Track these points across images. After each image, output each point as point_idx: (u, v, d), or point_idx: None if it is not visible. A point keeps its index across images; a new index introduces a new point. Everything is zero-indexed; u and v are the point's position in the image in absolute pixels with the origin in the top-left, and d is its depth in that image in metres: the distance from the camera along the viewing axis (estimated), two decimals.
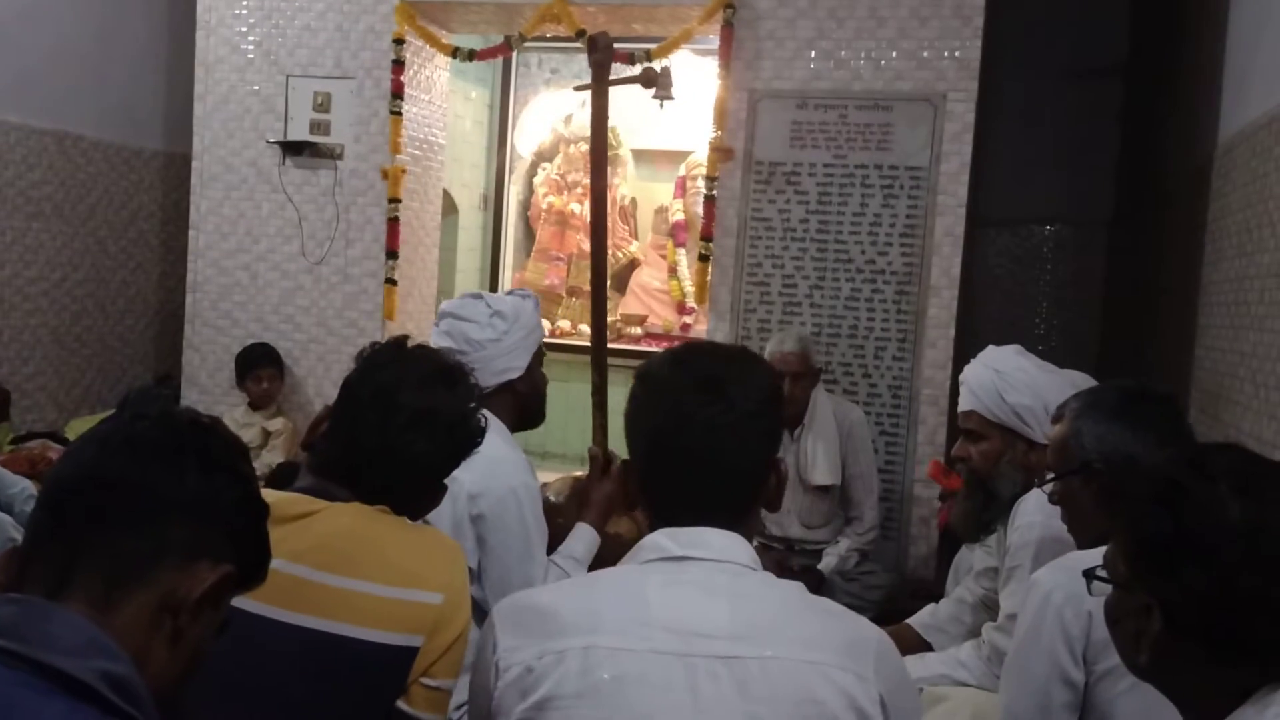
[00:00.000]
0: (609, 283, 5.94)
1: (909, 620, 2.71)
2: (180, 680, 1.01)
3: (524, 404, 2.36)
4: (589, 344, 3.49)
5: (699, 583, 1.23)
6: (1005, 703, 1.69)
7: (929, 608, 2.73)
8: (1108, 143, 5.15)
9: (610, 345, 3.45)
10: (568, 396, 5.17)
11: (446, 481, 1.73)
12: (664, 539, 1.26)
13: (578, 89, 3.66)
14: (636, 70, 4.35)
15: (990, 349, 2.46)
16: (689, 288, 5.79)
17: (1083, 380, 2.35)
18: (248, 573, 1.06)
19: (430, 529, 1.67)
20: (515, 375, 2.31)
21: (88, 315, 5.17)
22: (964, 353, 4.34)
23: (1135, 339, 4.68)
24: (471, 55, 4.66)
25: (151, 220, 5.49)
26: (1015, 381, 2.32)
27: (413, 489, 1.65)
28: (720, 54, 4.21)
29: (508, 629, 1.22)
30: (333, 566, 1.47)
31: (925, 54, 4.02)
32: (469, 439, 1.69)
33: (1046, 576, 1.67)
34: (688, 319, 5.89)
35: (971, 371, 2.43)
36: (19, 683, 0.87)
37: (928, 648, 2.59)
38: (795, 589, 1.27)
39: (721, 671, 1.16)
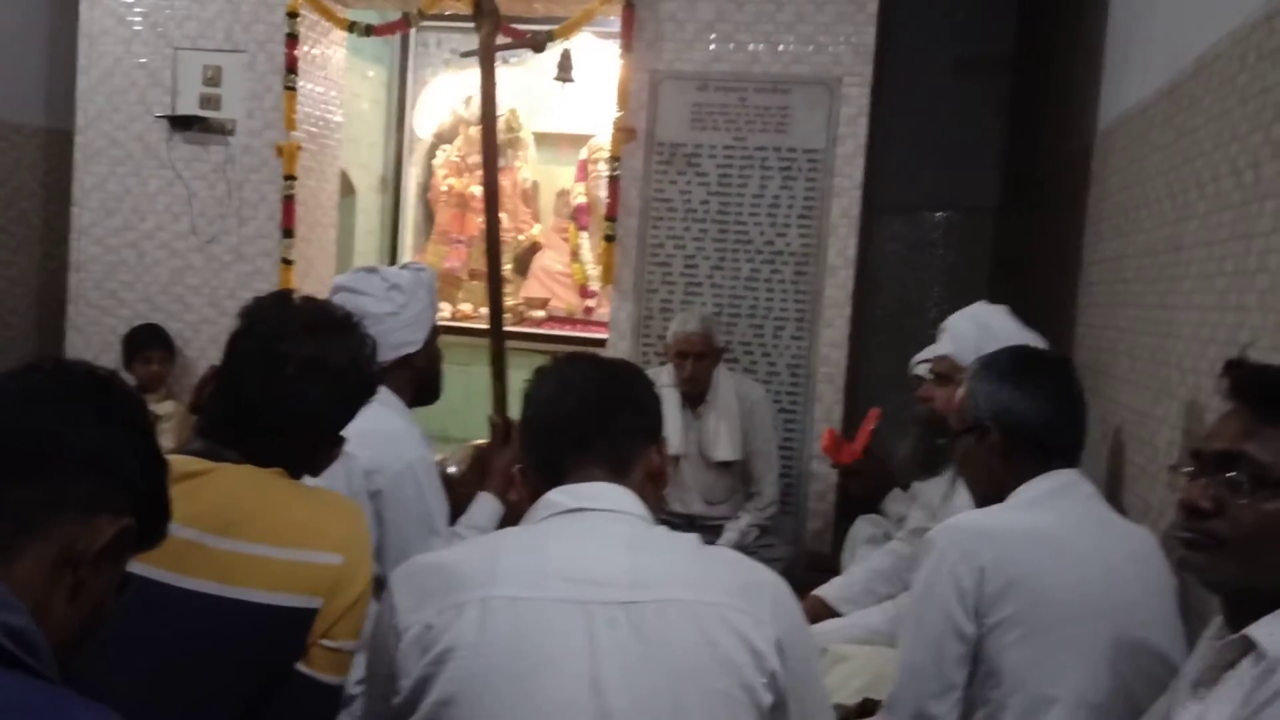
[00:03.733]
0: (510, 265, 5.97)
1: (817, 591, 2.76)
2: (80, 635, 0.99)
3: (421, 378, 2.33)
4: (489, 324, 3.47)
5: (596, 532, 1.26)
6: (902, 655, 1.75)
7: (839, 579, 2.78)
8: (995, 131, 5.32)
9: (512, 329, 3.44)
10: (469, 380, 5.11)
11: (344, 443, 1.68)
12: (558, 495, 1.31)
13: (464, 55, 3.75)
14: (537, 54, 4.39)
15: (981, 304, 2.58)
16: (591, 270, 5.81)
17: None
18: (148, 526, 1.04)
19: (328, 490, 1.63)
20: (413, 349, 2.28)
21: None
22: (860, 333, 4.47)
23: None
24: (369, 30, 4.56)
25: (33, 199, 5.25)
26: (1000, 338, 2.41)
27: (306, 443, 1.60)
28: (622, 35, 4.21)
29: (405, 591, 1.23)
30: (227, 530, 1.43)
31: (821, 38, 4.10)
32: (362, 386, 1.65)
33: (942, 535, 1.74)
34: (590, 302, 5.90)
35: (957, 321, 2.52)
36: None
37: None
38: (691, 539, 1.31)
39: (620, 616, 1.19)
